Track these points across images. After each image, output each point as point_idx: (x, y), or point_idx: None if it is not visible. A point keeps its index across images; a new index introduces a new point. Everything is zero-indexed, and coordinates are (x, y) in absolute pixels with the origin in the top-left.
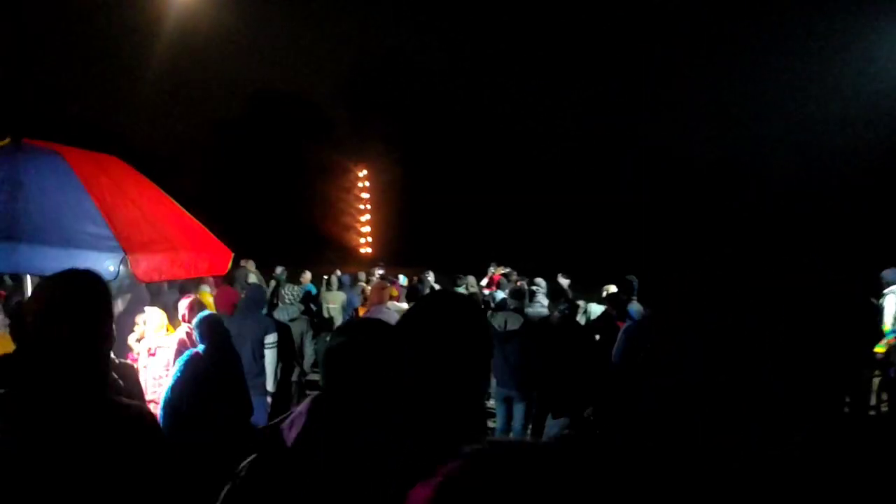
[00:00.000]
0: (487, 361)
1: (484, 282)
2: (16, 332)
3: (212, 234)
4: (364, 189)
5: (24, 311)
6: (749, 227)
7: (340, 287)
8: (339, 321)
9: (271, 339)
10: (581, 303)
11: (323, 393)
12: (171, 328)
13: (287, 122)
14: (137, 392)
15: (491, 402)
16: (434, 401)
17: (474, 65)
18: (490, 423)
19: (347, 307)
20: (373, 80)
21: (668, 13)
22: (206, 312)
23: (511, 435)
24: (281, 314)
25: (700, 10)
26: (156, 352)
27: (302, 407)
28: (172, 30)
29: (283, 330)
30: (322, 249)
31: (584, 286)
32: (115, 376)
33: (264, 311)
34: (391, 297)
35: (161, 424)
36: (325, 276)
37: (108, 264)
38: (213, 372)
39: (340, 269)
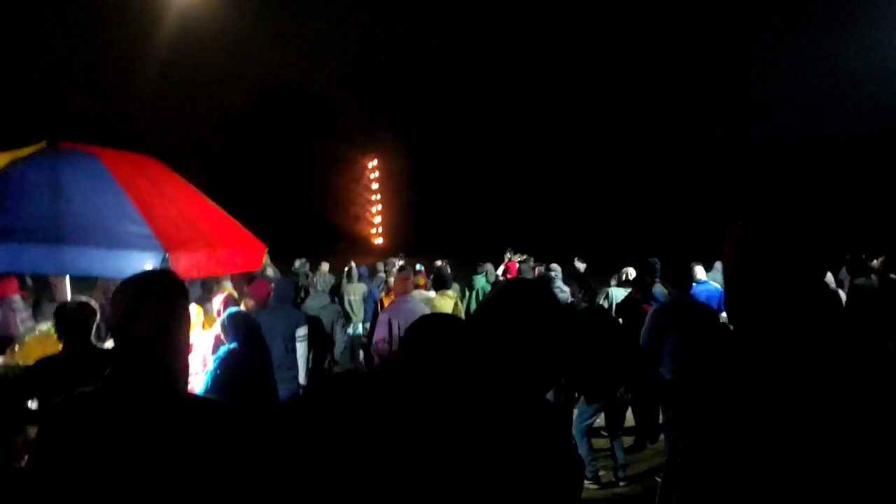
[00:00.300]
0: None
1: (500, 269)
2: (62, 332)
3: (245, 230)
4: (374, 180)
5: (114, 306)
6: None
7: (360, 278)
8: (360, 312)
9: (302, 332)
10: (610, 288)
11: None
12: (207, 324)
13: (295, 115)
14: None
15: None
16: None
17: (483, 51)
18: None
19: (368, 298)
20: (380, 69)
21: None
22: (232, 309)
23: None
24: (313, 302)
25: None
26: (191, 348)
27: None
28: (177, 26)
29: (313, 322)
30: (334, 241)
31: (598, 270)
32: None
33: (292, 303)
34: (418, 286)
35: None
36: (346, 268)
37: (149, 263)
38: (245, 368)
39: (355, 261)
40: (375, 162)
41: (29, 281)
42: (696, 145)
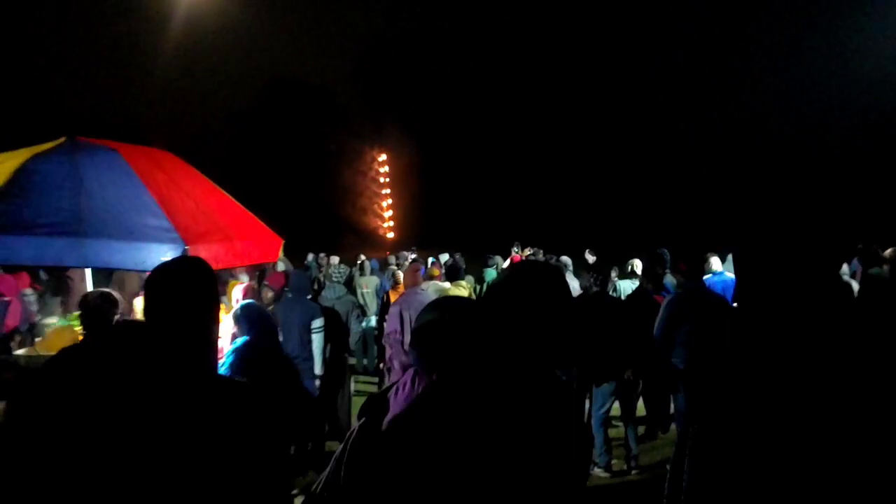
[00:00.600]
0: (567, 328)
1: (506, 264)
2: (85, 322)
3: (262, 222)
4: (384, 174)
5: (147, 291)
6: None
7: (372, 272)
8: (372, 305)
9: (318, 323)
10: (614, 277)
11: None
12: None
13: (305, 110)
14: None
15: None
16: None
17: (491, 44)
18: None
19: (380, 291)
20: (390, 63)
21: None
22: (245, 302)
23: None
24: (328, 293)
25: None
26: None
27: (406, 377)
28: (187, 22)
29: (329, 313)
30: (344, 235)
31: (609, 262)
32: None
33: (309, 296)
34: (433, 277)
35: None
36: (359, 262)
37: (169, 255)
38: (259, 360)
39: (367, 254)
40: (385, 156)
41: (43, 275)
42: (703, 137)
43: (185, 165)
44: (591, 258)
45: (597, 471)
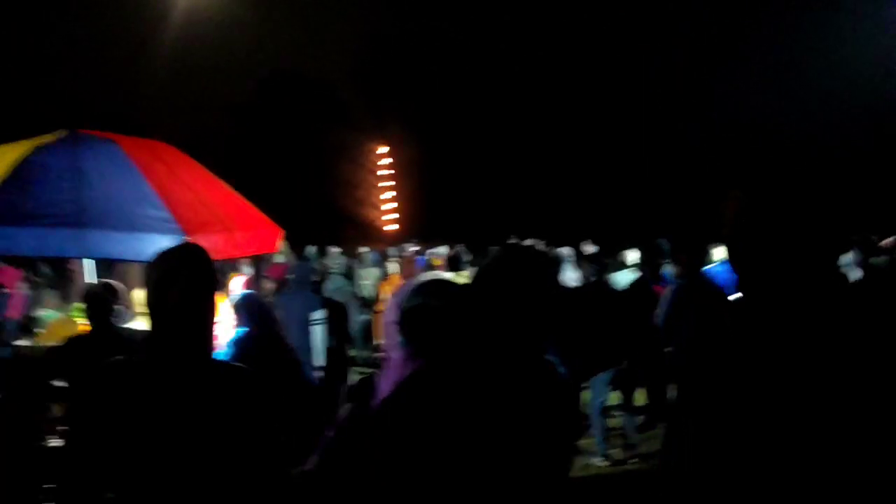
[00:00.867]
0: (555, 311)
1: None
2: (89, 312)
3: (262, 213)
4: (385, 167)
5: (147, 278)
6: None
7: (372, 264)
8: (373, 297)
9: (318, 315)
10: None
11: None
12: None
13: (305, 103)
14: None
15: None
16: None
17: (491, 37)
18: None
19: (380, 282)
20: (389, 55)
21: None
22: (245, 292)
23: None
24: (328, 284)
25: None
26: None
27: (394, 361)
28: (185, 13)
29: (332, 306)
30: (344, 228)
31: (610, 254)
32: None
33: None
34: (433, 267)
35: None
36: (359, 254)
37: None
38: (256, 352)
39: (369, 247)
40: (386, 149)
41: (44, 268)
42: (701, 128)
43: (185, 157)
44: (591, 249)
45: (595, 460)
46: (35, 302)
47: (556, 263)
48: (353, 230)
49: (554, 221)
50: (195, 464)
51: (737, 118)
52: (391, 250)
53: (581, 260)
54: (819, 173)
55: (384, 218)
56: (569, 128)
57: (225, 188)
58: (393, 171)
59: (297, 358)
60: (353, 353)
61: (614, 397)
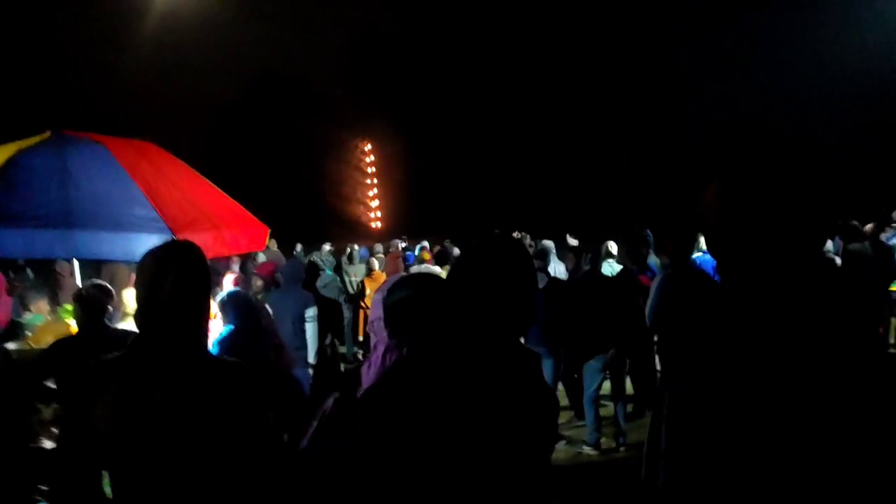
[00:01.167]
0: (533, 298)
1: None
2: (80, 313)
3: (248, 212)
4: (370, 163)
5: (139, 275)
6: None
7: (360, 260)
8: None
9: (311, 312)
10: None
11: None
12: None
13: (289, 99)
14: None
15: None
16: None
17: (474, 32)
18: None
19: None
20: (373, 51)
21: None
22: (232, 290)
23: None
24: (317, 280)
25: None
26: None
27: (377, 352)
28: (168, 10)
29: (324, 303)
30: (331, 224)
31: (590, 245)
32: None
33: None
34: (423, 261)
35: None
36: (348, 250)
37: None
38: (242, 350)
39: (357, 244)
40: (370, 146)
41: (30, 273)
42: (679, 121)
43: (170, 156)
44: (573, 241)
45: (586, 449)
46: (21, 306)
47: (545, 255)
48: (340, 227)
49: (537, 215)
50: (190, 458)
51: (714, 112)
52: (378, 246)
53: (564, 251)
54: (797, 162)
55: (370, 214)
56: (553, 123)
57: (211, 187)
58: (377, 168)
59: (287, 355)
60: (342, 349)
61: (606, 386)
